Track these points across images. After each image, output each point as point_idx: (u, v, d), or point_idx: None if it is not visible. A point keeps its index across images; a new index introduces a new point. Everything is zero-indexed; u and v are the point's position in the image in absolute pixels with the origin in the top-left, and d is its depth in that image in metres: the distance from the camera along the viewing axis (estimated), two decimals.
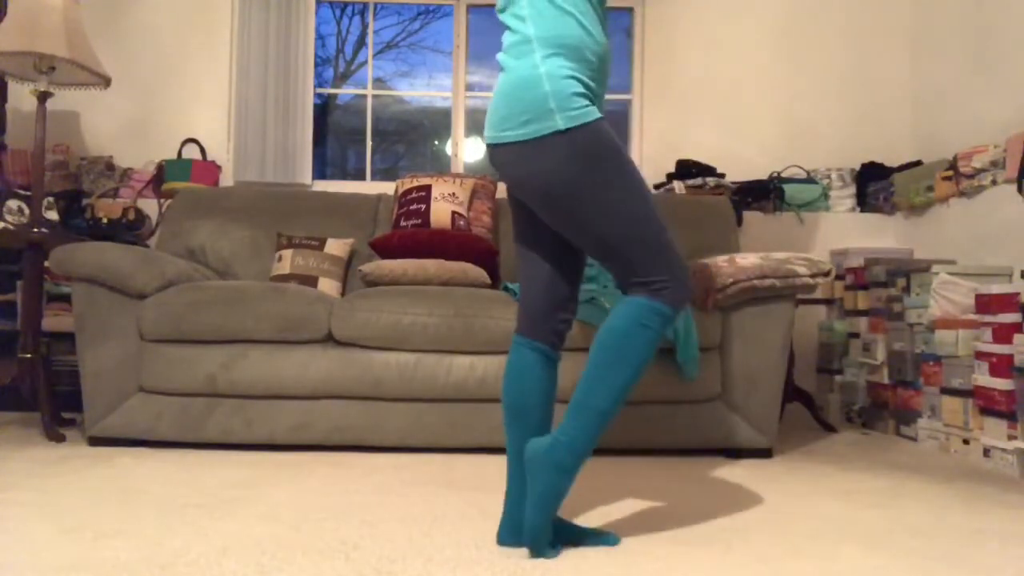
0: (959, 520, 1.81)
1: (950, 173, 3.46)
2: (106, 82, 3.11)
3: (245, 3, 3.97)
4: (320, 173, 4.32)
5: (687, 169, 3.87)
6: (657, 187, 3.92)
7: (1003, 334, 2.52)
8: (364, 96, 4.31)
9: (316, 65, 4.10)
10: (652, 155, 4.08)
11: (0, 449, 2.50)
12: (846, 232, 3.95)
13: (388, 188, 3.96)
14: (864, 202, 4.00)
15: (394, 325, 2.55)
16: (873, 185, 3.95)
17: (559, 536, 1.53)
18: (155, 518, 1.71)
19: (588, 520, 1.74)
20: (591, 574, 1.38)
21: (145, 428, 2.56)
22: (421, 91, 4.47)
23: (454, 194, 3.19)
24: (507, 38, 1.57)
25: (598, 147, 1.47)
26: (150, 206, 3.85)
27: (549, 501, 1.45)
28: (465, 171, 4.18)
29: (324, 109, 4.43)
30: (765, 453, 2.62)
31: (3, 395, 3.15)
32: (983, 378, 2.57)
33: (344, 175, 4.43)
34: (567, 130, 1.45)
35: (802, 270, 2.51)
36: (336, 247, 3.15)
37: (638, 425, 2.56)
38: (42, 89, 2.93)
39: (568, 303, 1.64)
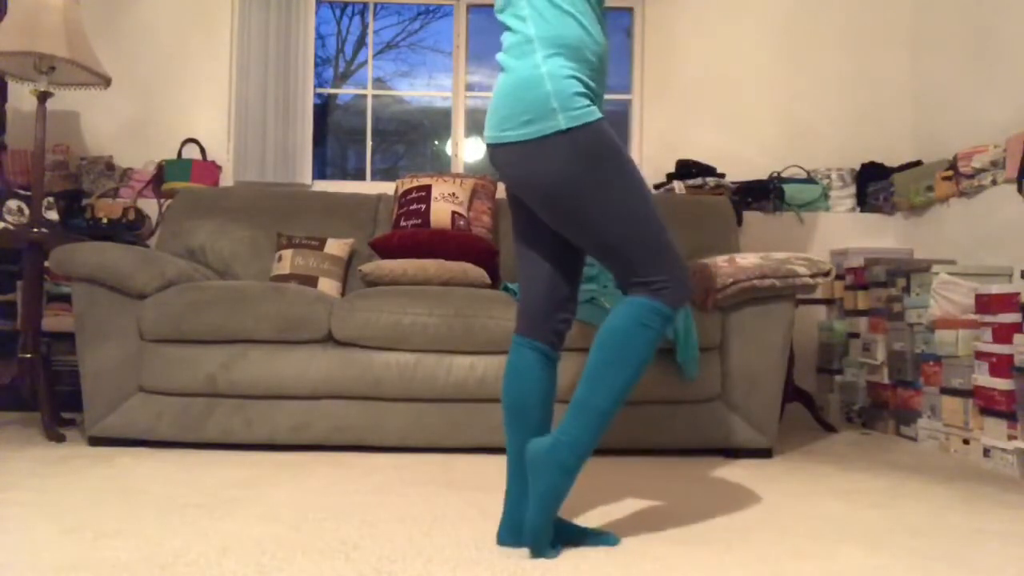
0: (959, 520, 1.81)
1: (950, 173, 3.46)
2: (106, 82, 3.11)
3: (245, 3, 3.97)
4: (320, 173, 4.32)
5: (687, 169, 3.87)
6: (657, 187, 3.92)
7: (1003, 334, 2.52)
8: (364, 96, 4.31)
9: (316, 65, 4.10)
10: (652, 155, 4.08)
11: (0, 449, 2.50)
12: (846, 232, 3.95)
13: (388, 188, 3.96)
14: (864, 202, 4.00)
15: (394, 325, 2.55)
16: (873, 185, 3.95)
17: (559, 536, 1.53)
18: (155, 518, 1.71)
19: (588, 520, 1.74)
20: (591, 574, 1.38)
21: (145, 428, 2.56)
22: (421, 91, 4.47)
23: (454, 194, 3.19)
24: (507, 38, 1.57)
25: (599, 147, 1.48)
26: (150, 206, 3.85)
27: (550, 501, 1.45)
28: (465, 171, 4.18)
29: (324, 109, 4.43)
30: (765, 453, 2.62)
31: (3, 395, 3.15)
32: (983, 378, 2.57)
33: (344, 175, 4.43)
34: (569, 130, 1.46)
35: (802, 270, 2.51)
36: (336, 247, 3.15)
37: (638, 425, 2.56)
38: (42, 89, 2.93)
39: (568, 303, 1.64)
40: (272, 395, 2.56)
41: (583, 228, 1.50)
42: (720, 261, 2.58)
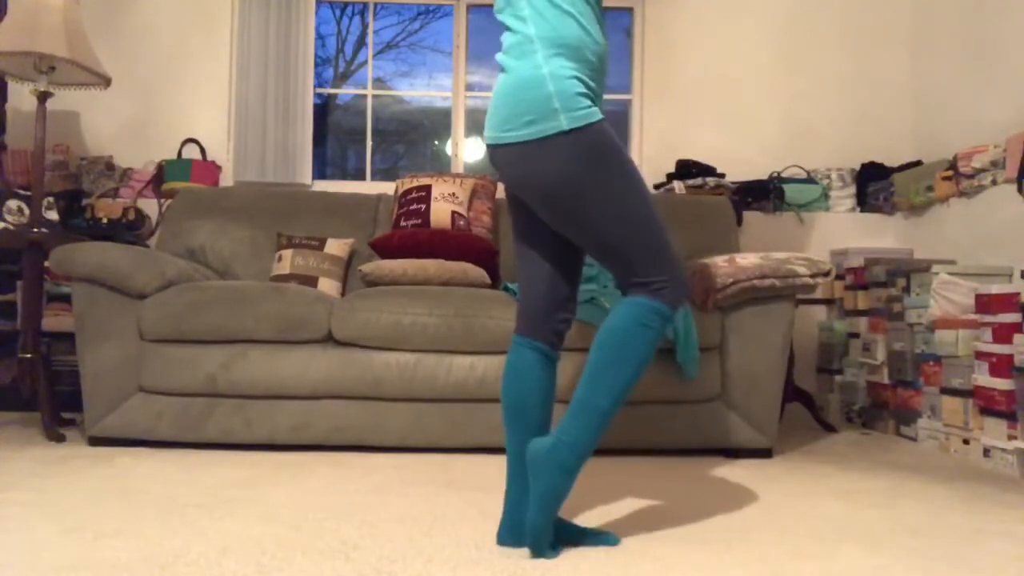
0: (959, 520, 1.81)
1: (950, 173, 3.46)
2: (106, 82, 3.11)
3: (245, 3, 3.97)
4: (320, 173, 4.33)
5: (687, 169, 3.87)
6: (657, 187, 3.92)
7: (1003, 334, 2.52)
8: (364, 96, 4.31)
9: (316, 65, 4.10)
10: (652, 155, 4.08)
11: (0, 449, 2.50)
12: (846, 232, 3.95)
13: (388, 188, 3.96)
14: (864, 202, 4.00)
15: (394, 325, 2.55)
16: (873, 185, 3.95)
17: (559, 536, 1.53)
18: (155, 518, 1.71)
19: (588, 520, 1.74)
20: (591, 574, 1.38)
21: (145, 428, 2.56)
22: (421, 91, 4.47)
23: (454, 194, 3.19)
24: (507, 39, 1.57)
25: (601, 148, 1.48)
26: (150, 206, 3.85)
27: (551, 501, 1.45)
28: (465, 171, 4.18)
29: (324, 109, 4.43)
30: (765, 453, 2.62)
31: (3, 395, 3.15)
32: (983, 378, 2.57)
33: (344, 175, 4.43)
34: (571, 130, 1.46)
35: (802, 270, 2.51)
36: (336, 247, 3.15)
37: (638, 425, 2.56)
38: (42, 89, 2.93)
39: (568, 303, 1.64)
40: (272, 395, 2.56)
41: (583, 228, 1.51)
42: (720, 261, 2.58)
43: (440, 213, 3.13)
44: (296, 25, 3.97)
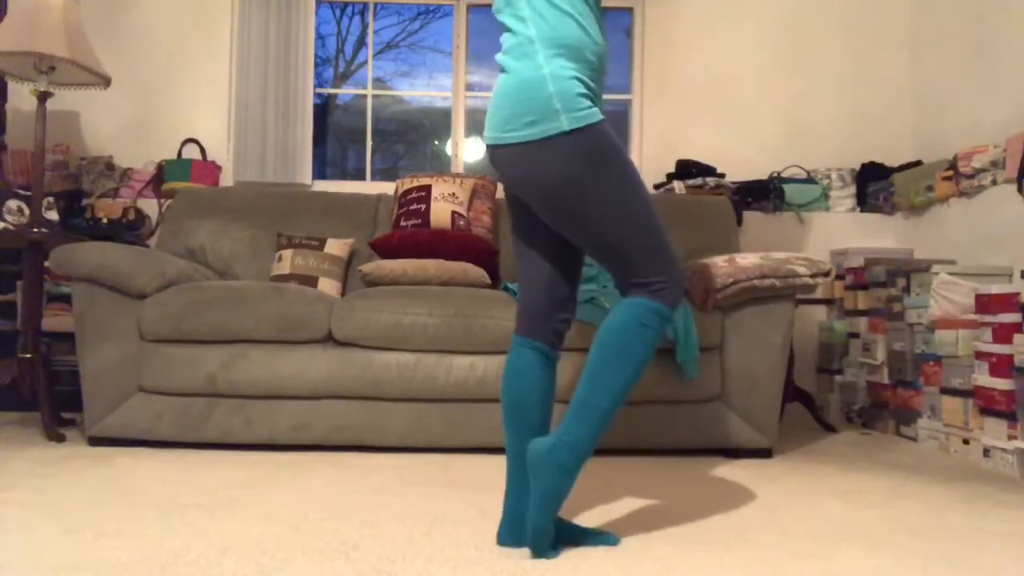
0: (959, 520, 1.81)
1: (950, 173, 3.46)
2: (106, 82, 3.11)
3: (245, 3, 3.97)
4: (320, 173, 4.33)
5: (687, 169, 3.87)
6: (657, 187, 3.92)
7: (1003, 334, 2.52)
8: (364, 96, 4.31)
9: (316, 65, 4.10)
10: (652, 155, 4.08)
11: (0, 449, 2.50)
12: (846, 232, 3.96)
13: (388, 188, 3.96)
14: (864, 202, 4.00)
15: (394, 325, 2.55)
16: (873, 185, 3.95)
17: (559, 536, 1.53)
18: (155, 518, 1.71)
19: (588, 520, 1.74)
20: (591, 574, 1.38)
21: (145, 428, 2.56)
22: (421, 91, 4.47)
23: (454, 194, 3.19)
24: (507, 39, 1.57)
25: (601, 148, 1.48)
26: (150, 206, 3.85)
27: (551, 501, 1.45)
28: (465, 171, 4.18)
29: (324, 109, 4.43)
30: (765, 453, 2.62)
31: (3, 395, 3.15)
32: (983, 378, 2.57)
33: (344, 175, 4.43)
34: (572, 131, 1.46)
35: (802, 270, 2.51)
36: (336, 247, 3.15)
37: (638, 425, 2.56)
38: (42, 89, 2.93)
39: (567, 303, 1.64)
40: (272, 395, 2.56)
41: (583, 228, 1.51)
42: (720, 261, 2.58)
43: (440, 213, 3.13)
44: (296, 25, 3.97)
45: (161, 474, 2.17)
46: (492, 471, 2.30)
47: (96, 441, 2.59)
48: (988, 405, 2.55)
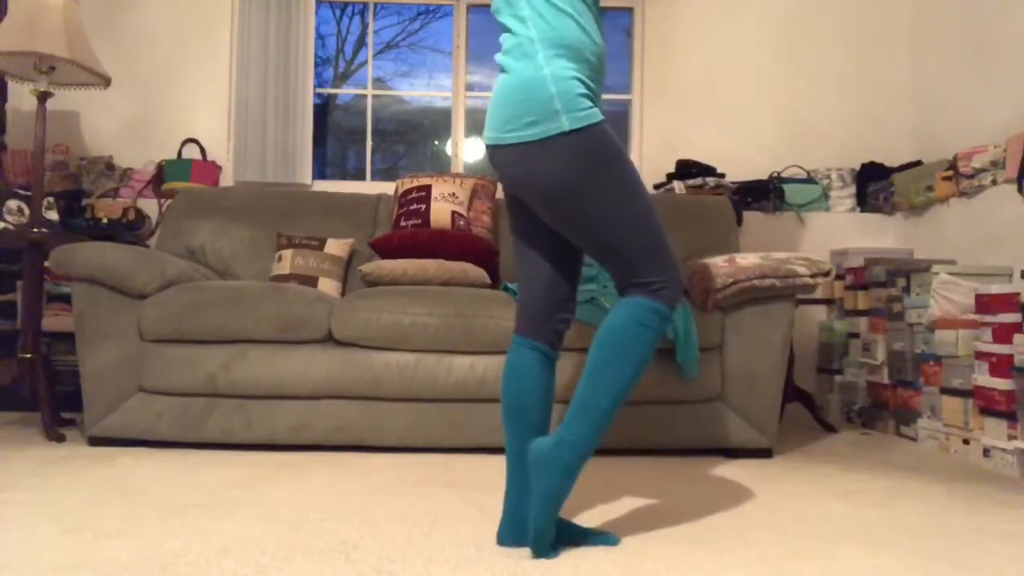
0: (959, 520, 1.81)
1: (950, 173, 3.46)
2: (106, 82, 3.11)
3: (245, 3, 3.97)
4: (320, 173, 4.33)
5: (687, 169, 3.87)
6: (657, 187, 3.92)
7: (1003, 334, 2.52)
8: (364, 96, 4.31)
9: (316, 65, 4.10)
10: (652, 155, 4.08)
11: (0, 449, 2.50)
12: (846, 232, 3.96)
13: (388, 188, 3.96)
14: (864, 202, 4.00)
15: (394, 325, 2.55)
16: (873, 185, 3.95)
17: (559, 536, 1.53)
18: (155, 518, 1.71)
19: (588, 520, 1.74)
20: (591, 574, 1.38)
21: (145, 428, 2.56)
22: (421, 91, 4.47)
23: (454, 194, 3.19)
24: (507, 40, 1.57)
25: (602, 148, 1.48)
26: (150, 206, 3.85)
27: (553, 501, 1.45)
28: (465, 171, 4.18)
29: (324, 109, 4.43)
30: (765, 453, 2.62)
31: (3, 395, 3.15)
32: (983, 378, 2.57)
33: (344, 175, 4.43)
34: (572, 131, 1.46)
35: (802, 270, 2.51)
36: (336, 247, 3.15)
37: (638, 425, 2.56)
38: (42, 89, 2.93)
39: (567, 303, 1.65)
40: (272, 395, 2.56)
41: (584, 229, 1.51)
42: (720, 261, 2.58)
43: (440, 213, 3.13)
44: (296, 25, 3.97)
45: (161, 474, 2.17)
46: (492, 471, 2.30)
47: (96, 441, 2.59)
48: (988, 405, 2.55)
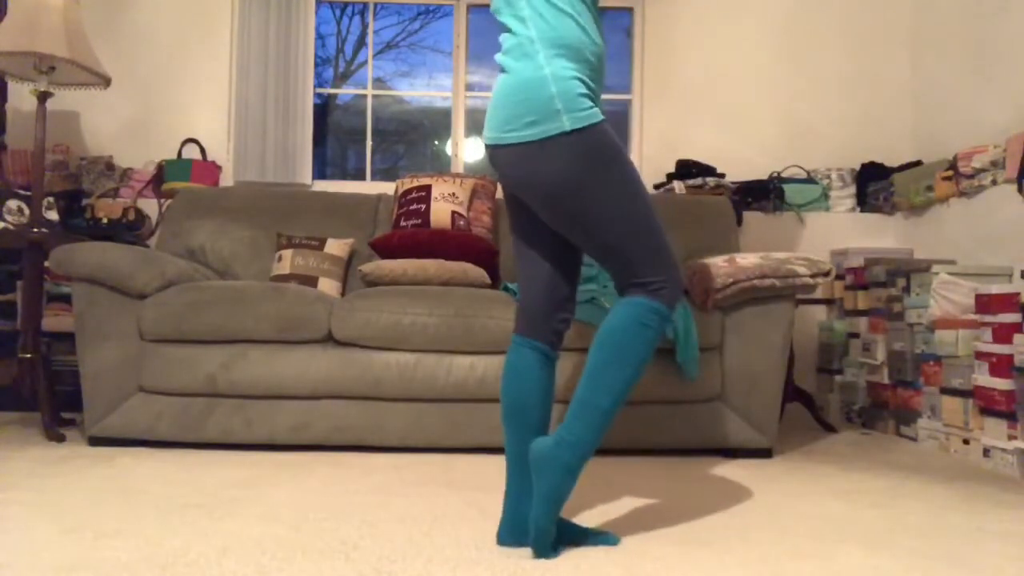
0: (959, 520, 1.81)
1: (950, 173, 3.46)
2: (106, 82, 3.11)
3: (245, 3, 3.97)
4: (320, 173, 4.33)
5: (687, 169, 3.87)
6: (657, 187, 3.92)
7: (1003, 334, 2.52)
8: (364, 96, 4.31)
9: (316, 65, 4.10)
10: (652, 155, 4.08)
11: (0, 449, 2.50)
12: (846, 232, 3.96)
13: (388, 188, 3.96)
14: (864, 202, 4.00)
15: (394, 325, 2.55)
16: (873, 185, 3.95)
17: (559, 536, 1.53)
18: (155, 518, 1.71)
19: (588, 520, 1.74)
20: (591, 574, 1.38)
21: (145, 428, 2.56)
22: (421, 91, 4.47)
23: (454, 194, 3.19)
24: (507, 40, 1.57)
25: (602, 148, 1.48)
26: (150, 206, 3.85)
27: (554, 501, 1.45)
28: (465, 171, 4.18)
29: (324, 109, 4.43)
30: (765, 453, 2.62)
31: (3, 395, 3.15)
32: (983, 378, 2.57)
33: (344, 175, 4.43)
34: (573, 131, 1.46)
35: (802, 270, 2.51)
36: (336, 247, 3.15)
37: (638, 425, 2.56)
38: (42, 89, 2.93)
39: (567, 303, 1.65)
40: (272, 395, 2.56)
41: (584, 228, 1.51)
42: (720, 261, 2.58)
43: (440, 213, 3.13)
44: (296, 25, 3.97)
45: (161, 474, 2.17)
46: (492, 471, 2.30)
47: (96, 441, 2.59)
48: (988, 405, 2.55)
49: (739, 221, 3.67)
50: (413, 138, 4.56)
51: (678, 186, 3.80)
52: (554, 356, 1.64)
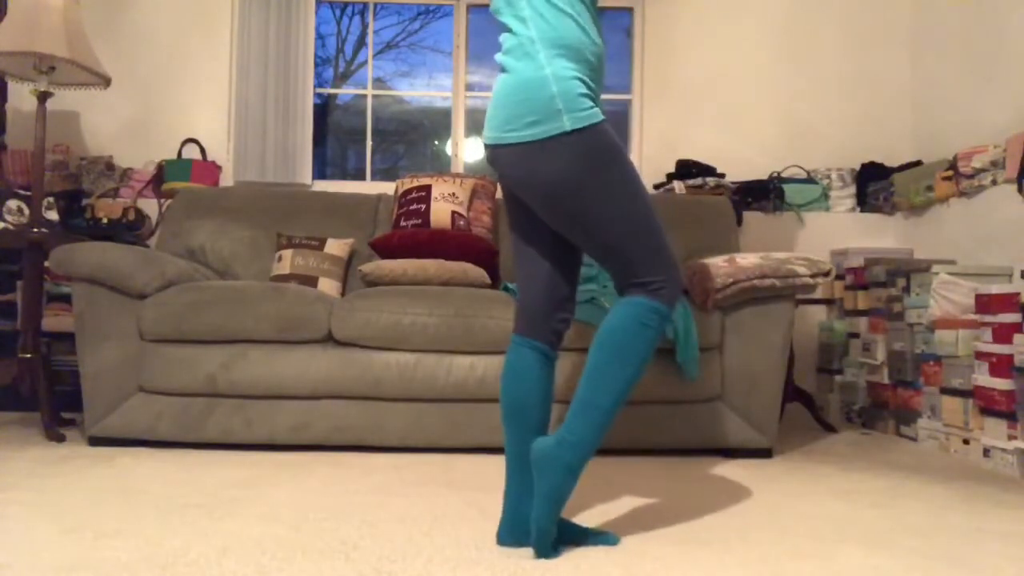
0: (959, 520, 1.81)
1: (950, 173, 3.46)
2: (106, 82, 3.11)
3: (245, 3, 3.97)
4: (320, 173, 4.33)
5: (687, 169, 3.87)
6: (657, 187, 3.92)
7: (1003, 334, 2.52)
8: (364, 96, 4.31)
9: (316, 65, 4.10)
10: (652, 155, 4.08)
11: (0, 449, 2.50)
12: (846, 232, 3.96)
13: (388, 188, 3.96)
14: (864, 202, 4.00)
15: (394, 325, 2.55)
16: (873, 185, 3.95)
17: (560, 535, 1.53)
18: (155, 518, 1.71)
19: (588, 520, 1.74)
20: (591, 574, 1.38)
21: (145, 428, 2.56)
22: (421, 91, 4.47)
23: (454, 194, 3.19)
24: (507, 40, 1.57)
25: (603, 148, 1.48)
26: (150, 206, 3.85)
27: (555, 501, 1.45)
28: (465, 171, 4.18)
29: (324, 109, 4.43)
30: (765, 453, 2.62)
31: (3, 395, 3.15)
32: (983, 378, 2.57)
33: (344, 175, 4.43)
34: (574, 131, 1.46)
35: (802, 270, 2.51)
36: (336, 247, 3.15)
37: (638, 425, 2.56)
38: (42, 89, 2.93)
39: (566, 303, 1.65)
40: (272, 395, 2.56)
41: (584, 228, 1.51)
42: (720, 261, 2.58)
43: (440, 213, 3.13)
44: (296, 25, 3.97)
45: (161, 474, 2.17)
46: (492, 471, 2.30)
47: (96, 441, 2.59)
48: (988, 405, 2.55)
49: (739, 221, 3.67)
50: (413, 138, 4.56)
51: (678, 186, 3.80)
52: (554, 356, 1.64)
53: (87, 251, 2.55)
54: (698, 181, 3.79)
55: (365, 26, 4.46)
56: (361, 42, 4.54)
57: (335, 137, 4.50)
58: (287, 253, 3.08)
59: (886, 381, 3.23)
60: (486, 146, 1.59)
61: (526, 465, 1.57)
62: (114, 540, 1.53)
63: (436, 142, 4.53)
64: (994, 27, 3.35)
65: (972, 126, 3.48)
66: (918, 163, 3.84)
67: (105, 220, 3.59)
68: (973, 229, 3.37)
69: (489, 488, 2.07)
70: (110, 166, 3.90)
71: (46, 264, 2.96)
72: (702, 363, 2.54)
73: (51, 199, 3.46)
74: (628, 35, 4.25)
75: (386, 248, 3.01)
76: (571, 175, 1.47)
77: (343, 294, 3.11)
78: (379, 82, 4.43)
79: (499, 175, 1.59)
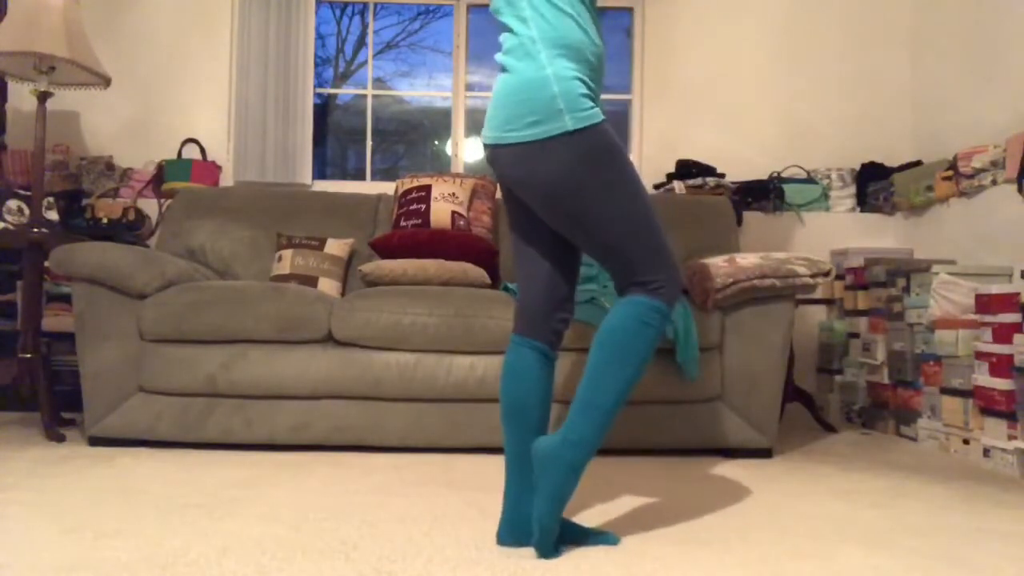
0: (959, 520, 1.81)
1: (950, 173, 3.46)
2: (106, 82, 3.11)
3: (245, 3, 3.97)
4: (320, 173, 4.33)
5: (687, 169, 3.87)
6: (657, 187, 3.92)
7: (1003, 334, 2.52)
8: (364, 96, 4.31)
9: (316, 65, 4.10)
10: (652, 155, 4.08)
11: (0, 449, 2.50)
12: (846, 232, 3.96)
13: (388, 188, 3.96)
14: (864, 202, 4.00)
15: (394, 325, 2.55)
16: (873, 185, 3.95)
17: (560, 535, 1.53)
18: (155, 518, 1.71)
19: (588, 520, 1.74)
20: (591, 574, 1.38)
21: (145, 428, 2.56)
22: (421, 91, 4.47)
23: (454, 194, 3.19)
24: (508, 40, 1.57)
25: (603, 148, 1.48)
26: (150, 206, 3.85)
27: (558, 500, 1.45)
28: (465, 171, 4.18)
29: (324, 109, 4.43)
30: (765, 453, 2.62)
31: (3, 395, 3.15)
32: (983, 378, 2.57)
33: (344, 175, 4.43)
34: (574, 131, 1.46)
35: (802, 270, 2.51)
36: (336, 247, 3.15)
37: (638, 425, 2.56)
38: (42, 89, 2.93)
39: (566, 303, 1.65)
40: (272, 395, 2.56)
41: (584, 228, 1.51)
42: (720, 261, 2.58)
43: (440, 213, 3.13)
44: (296, 25, 3.97)
45: (161, 474, 2.17)
46: (492, 471, 2.30)
47: (96, 441, 2.59)
48: (988, 405, 2.55)
49: (739, 221, 3.67)
50: (413, 138, 4.56)
51: (678, 186, 3.80)
52: (553, 356, 1.64)
53: (87, 251, 2.55)
54: (698, 181, 3.79)
55: (365, 26, 4.46)
56: (361, 42, 4.54)
57: (335, 137, 4.50)
58: (287, 253, 3.08)
59: (886, 381, 3.23)
60: (486, 146, 1.59)
61: (526, 465, 1.57)
62: (114, 540, 1.53)
63: (436, 142, 4.53)
64: (994, 27, 3.35)
65: (972, 126, 3.48)
66: (918, 163, 3.84)
67: (105, 220, 3.59)
68: (973, 229, 3.37)
69: (489, 488, 2.07)
70: (110, 166, 3.90)
71: (46, 264, 2.96)
72: (702, 363, 2.54)
73: (51, 199, 3.46)
74: (628, 35, 4.25)
75: (386, 248, 3.01)
76: (571, 175, 1.47)
77: (343, 294, 3.11)
78: (379, 82, 4.43)
79: (499, 175, 1.59)
